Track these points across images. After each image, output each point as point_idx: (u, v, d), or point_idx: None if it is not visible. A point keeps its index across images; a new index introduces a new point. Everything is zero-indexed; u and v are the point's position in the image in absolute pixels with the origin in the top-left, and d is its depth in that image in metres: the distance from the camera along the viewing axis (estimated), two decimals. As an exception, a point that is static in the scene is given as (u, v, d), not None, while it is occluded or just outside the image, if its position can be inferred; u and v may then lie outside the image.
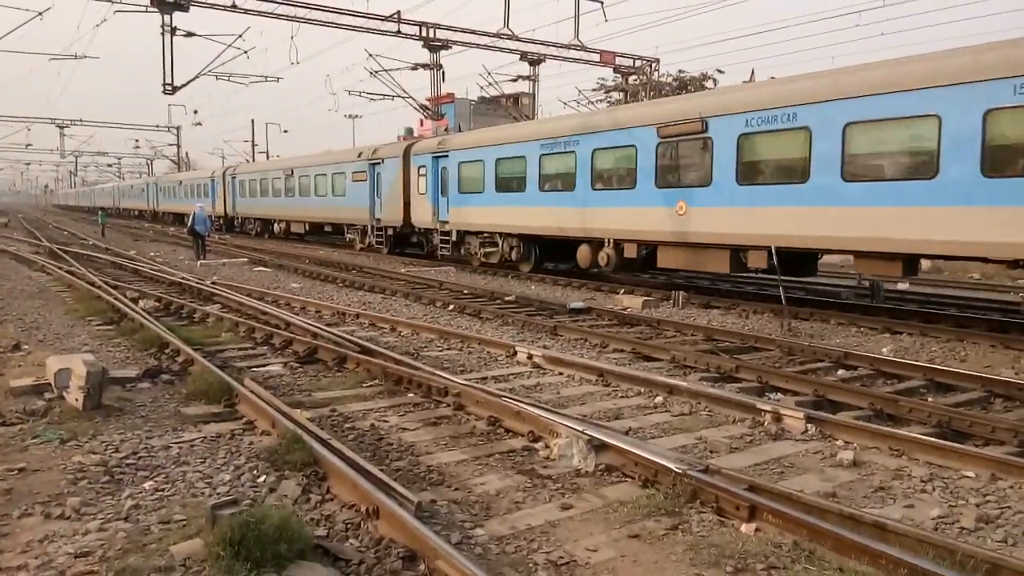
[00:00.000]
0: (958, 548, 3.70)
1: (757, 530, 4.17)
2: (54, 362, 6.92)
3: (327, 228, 31.97)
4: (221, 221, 40.02)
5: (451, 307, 13.37)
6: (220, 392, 6.73)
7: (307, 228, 33.03)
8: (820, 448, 5.73)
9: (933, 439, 5.65)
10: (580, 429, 5.48)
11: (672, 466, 4.79)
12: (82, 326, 10.83)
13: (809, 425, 6.08)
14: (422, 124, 33.37)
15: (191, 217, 24.58)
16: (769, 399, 7.03)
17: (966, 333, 10.67)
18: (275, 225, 36.17)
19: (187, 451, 5.40)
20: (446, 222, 21.97)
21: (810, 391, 7.36)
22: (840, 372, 8.54)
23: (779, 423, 6.21)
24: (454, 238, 21.85)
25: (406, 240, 26.13)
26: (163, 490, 4.65)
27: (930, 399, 7.30)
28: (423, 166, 23.09)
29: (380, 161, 25.40)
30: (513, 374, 8.24)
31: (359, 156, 27.00)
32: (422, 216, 23.15)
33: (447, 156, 21.84)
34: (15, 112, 72.77)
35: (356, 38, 30.69)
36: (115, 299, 12.42)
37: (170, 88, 27.07)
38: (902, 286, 16.70)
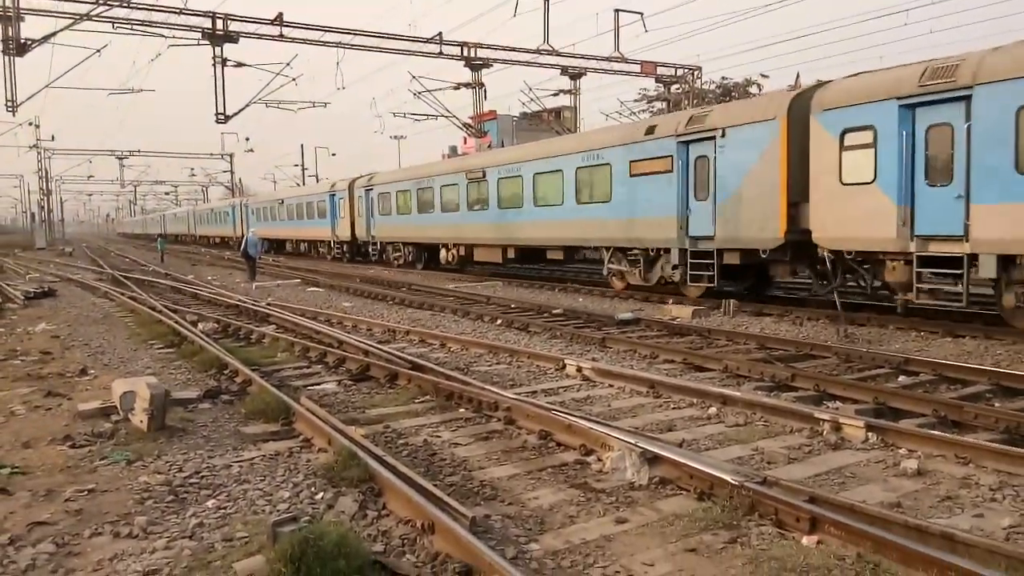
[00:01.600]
0: (1033, 559, 3.56)
1: (819, 542, 4.07)
2: (119, 385, 7.18)
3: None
4: (344, 248, 34.76)
5: (499, 322, 13.42)
6: (278, 411, 6.88)
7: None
8: (882, 457, 5.58)
9: (1002, 445, 5.45)
10: (632, 442, 5.44)
11: (729, 478, 4.71)
12: (144, 349, 11.20)
13: (870, 434, 5.92)
14: (465, 142, 33.78)
15: (244, 241, 26.03)
16: (827, 408, 6.87)
17: (1034, 335, 10.26)
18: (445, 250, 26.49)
19: (247, 469, 5.54)
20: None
21: (870, 399, 7.16)
22: (901, 378, 8.30)
23: (838, 432, 6.06)
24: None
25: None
26: (225, 508, 4.77)
27: (997, 404, 7.04)
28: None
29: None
30: (563, 387, 8.23)
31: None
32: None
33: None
34: (77, 145, 75.90)
35: (400, 61, 31.20)
36: (175, 323, 12.82)
37: (223, 117, 27.99)
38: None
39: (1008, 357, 9.27)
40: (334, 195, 34.81)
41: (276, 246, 44.10)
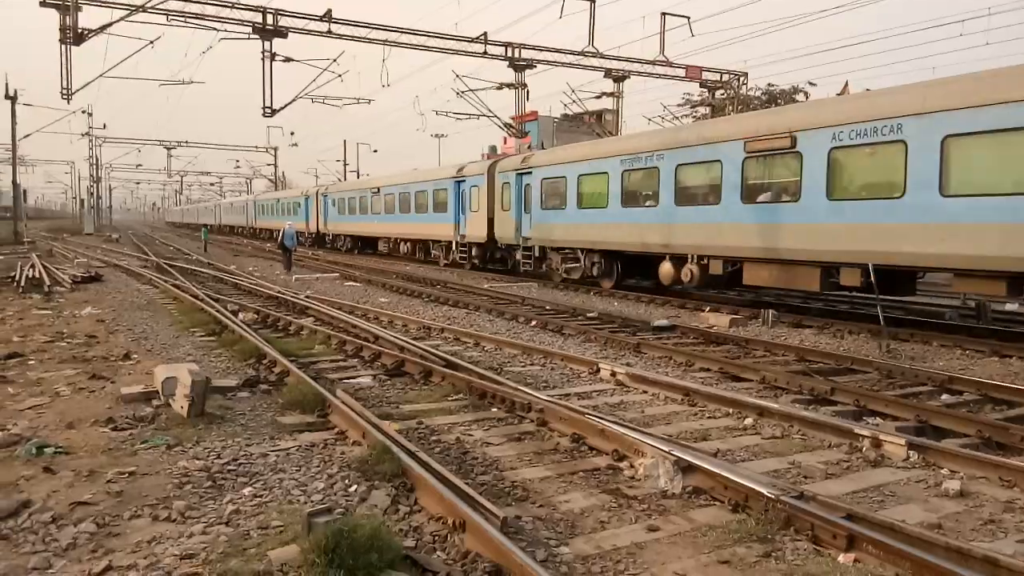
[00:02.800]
0: (1081, 590, 3.44)
1: (856, 561, 3.99)
2: (161, 371, 7.35)
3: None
4: (473, 251, 26.56)
5: (533, 323, 13.41)
6: (314, 403, 6.97)
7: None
8: (923, 477, 5.45)
9: (1050, 471, 5.28)
10: (666, 449, 5.39)
11: (764, 491, 4.64)
12: (186, 336, 11.43)
13: (911, 452, 5.78)
14: (505, 142, 33.81)
15: (281, 233, 27.31)
16: (867, 424, 6.73)
17: (1086, 358, 9.93)
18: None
19: (283, 459, 5.62)
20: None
21: (912, 416, 6.99)
22: (944, 397, 8.09)
23: (878, 449, 5.94)
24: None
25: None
26: (261, 496, 4.84)
27: (1046, 428, 6.82)
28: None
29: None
30: (596, 391, 8.19)
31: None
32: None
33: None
34: (127, 135, 77.78)
35: (444, 60, 31.38)
36: (217, 312, 13.06)
37: (269, 111, 28.44)
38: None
39: (1058, 379, 8.98)
40: (462, 181, 26.44)
41: (364, 245, 37.90)
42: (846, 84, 15.46)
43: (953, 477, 5.37)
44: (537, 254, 22.21)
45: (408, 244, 31.83)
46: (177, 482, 5.06)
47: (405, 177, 31.85)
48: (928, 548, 3.94)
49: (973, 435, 6.43)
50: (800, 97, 35.04)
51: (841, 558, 4.04)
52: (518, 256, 23.39)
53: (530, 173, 22.29)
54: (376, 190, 33.86)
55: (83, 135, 62.46)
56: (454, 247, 27.29)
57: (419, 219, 29.82)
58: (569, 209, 20.25)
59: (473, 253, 26.18)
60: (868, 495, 5.11)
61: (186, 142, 69.52)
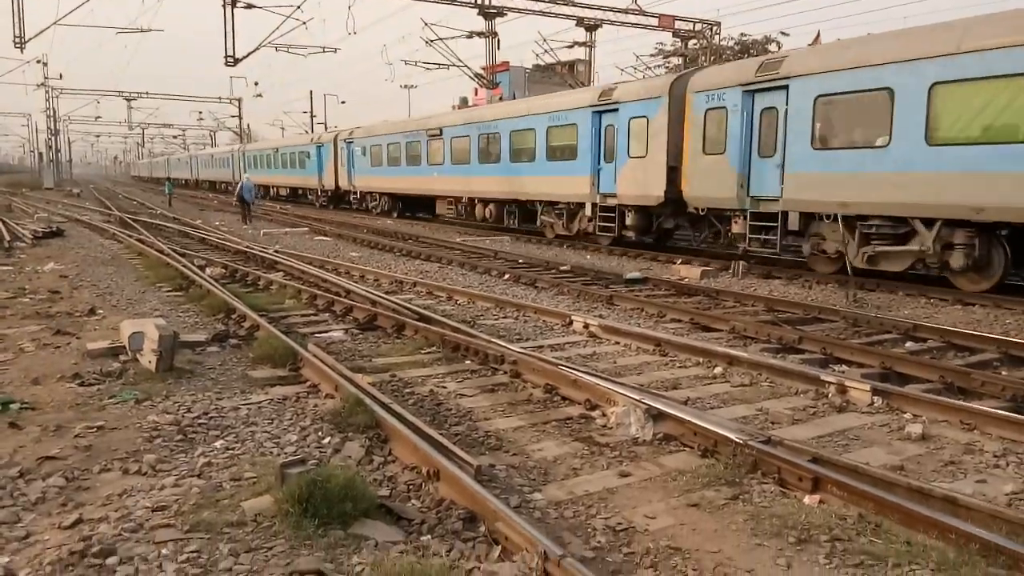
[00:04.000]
0: (1034, 525, 3.57)
1: (821, 502, 4.10)
2: (128, 326, 7.22)
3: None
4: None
5: (506, 276, 13.40)
6: (285, 356, 6.91)
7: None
8: (887, 421, 5.59)
9: (1007, 413, 5.44)
10: (638, 398, 5.46)
11: (733, 436, 4.73)
12: (153, 292, 11.24)
13: (876, 398, 5.92)
14: (476, 93, 33.28)
15: (239, 186, 28.19)
16: (834, 371, 6.87)
17: (1044, 305, 10.18)
18: None
19: (255, 412, 5.58)
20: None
21: (877, 363, 7.15)
22: (908, 344, 8.28)
23: (844, 395, 6.07)
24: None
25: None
26: (233, 449, 4.82)
27: (1004, 372, 7.03)
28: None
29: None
30: (569, 343, 8.24)
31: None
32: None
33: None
34: (85, 85, 75.02)
35: (412, 7, 30.55)
36: (183, 266, 12.84)
37: (232, 60, 27.61)
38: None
39: (1017, 326, 9.22)
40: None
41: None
42: (818, 34, 15.34)
43: (916, 421, 5.52)
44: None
45: (491, 208, 23.25)
46: (147, 436, 5.01)
47: (490, 112, 23.49)
48: (890, 489, 4.05)
49: (936, 381, 6.60)
50: (772, 48, 34.88)
51: (806, 500, 4.14)
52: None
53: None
54: (437, 131, 25.49)
55: (38, 86, 60.22)
56: (588, 210, 18.82)
57: (517, 171, 21.26)
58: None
59: (629, 222, 17.74)
60: (833, 439, 5.23)
61: (146, 93, 67.37)
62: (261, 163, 47.70)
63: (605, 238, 18.41)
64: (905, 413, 5.72)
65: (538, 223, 21.14)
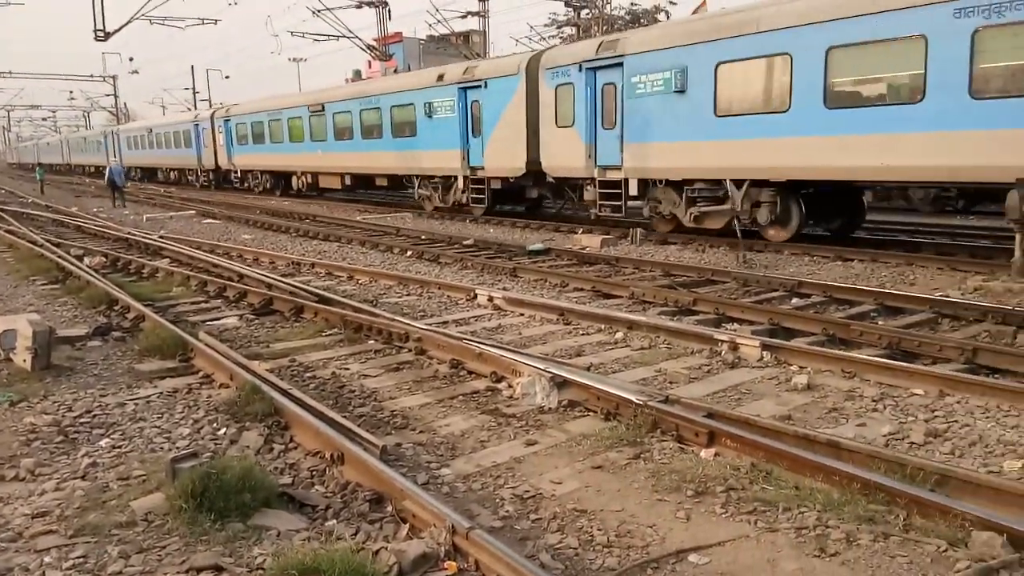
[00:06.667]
0: (908, 462, 3.84)
1: (716, 455, 4.27)
2: (-3, 324, 6.68)
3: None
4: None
5: (409, 253, 13.23)
6: (174, 347, 6.58)
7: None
8: (776, 374, 5.87)
9: (883, 360, 5.83)
10: (542, 367, 5.51)
11: (633, 398, 4.85)
12: (26, 286, 10.46)
13: (765, 352, 6.20)
14: (370, 66, 32.41)
15: (108, 171, 27.77)
16: (726, 329, 7.15)
17: (915, 257, 10.97)
18: None
19: (143, 407, 5.30)
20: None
21: (765, 320, 7.50)
22: (794, 300, 8.72)
23: (736, 352, 6.33)
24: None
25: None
26: (120, 447, 4.55)
27: (880, 322, 7.52)
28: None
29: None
30: (474, 317, 8.22)
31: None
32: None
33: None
34: (-64, 65, 68.55)
35: (297, -24, 29.39)
36: (59, 257, 12.00)
37: (102, 34, 25.83)
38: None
39: (892, 279, 9.87)
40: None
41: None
42: (703, 3, 15.76)
43: (801, 373, 5.83)
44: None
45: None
46: (24, 439, 4.67)
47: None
48: (778, 437, 4.27)
49: (819, 333, 6.99)
50: (661, 17, 35.61)
51: (703, 453, 4.31)
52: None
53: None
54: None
55: None
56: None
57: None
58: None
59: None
60: (727, 394, 5.46)
61: (9, 73, 62.12)
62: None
63: (478, 209, 19.26)
64: (792, 365, 6.03)
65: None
